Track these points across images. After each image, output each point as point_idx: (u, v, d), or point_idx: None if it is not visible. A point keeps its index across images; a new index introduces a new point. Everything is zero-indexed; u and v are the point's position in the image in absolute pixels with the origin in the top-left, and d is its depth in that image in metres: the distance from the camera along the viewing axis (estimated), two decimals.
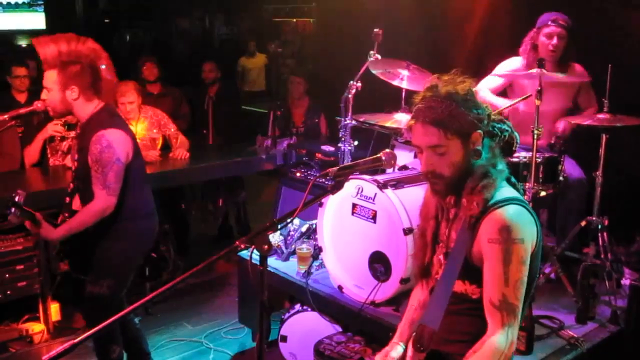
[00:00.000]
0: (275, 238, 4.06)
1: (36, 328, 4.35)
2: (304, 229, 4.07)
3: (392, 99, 4.28)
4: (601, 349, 3.25)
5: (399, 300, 3.36)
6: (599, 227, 3.75)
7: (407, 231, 3.14)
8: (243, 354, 4.32)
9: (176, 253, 5.35)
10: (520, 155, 3.63)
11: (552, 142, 3.82)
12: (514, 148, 2.27)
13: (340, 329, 3.52)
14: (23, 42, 10.23)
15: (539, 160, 3.60)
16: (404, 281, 3.23)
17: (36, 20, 9.91)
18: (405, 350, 2.36)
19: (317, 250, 3.75)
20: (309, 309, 3.68)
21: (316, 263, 3.84)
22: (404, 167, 3.76)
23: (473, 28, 5.55)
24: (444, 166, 2.12)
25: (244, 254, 4.01)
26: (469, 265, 2.14)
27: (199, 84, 6.48)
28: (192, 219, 6.33)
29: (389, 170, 3.73)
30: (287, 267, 3.96)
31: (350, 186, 3.42)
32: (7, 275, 4.18)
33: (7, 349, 4.22)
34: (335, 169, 2.19)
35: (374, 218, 3.36)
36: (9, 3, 9.69)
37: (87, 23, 10.85)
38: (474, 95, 2.14)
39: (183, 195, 6.00)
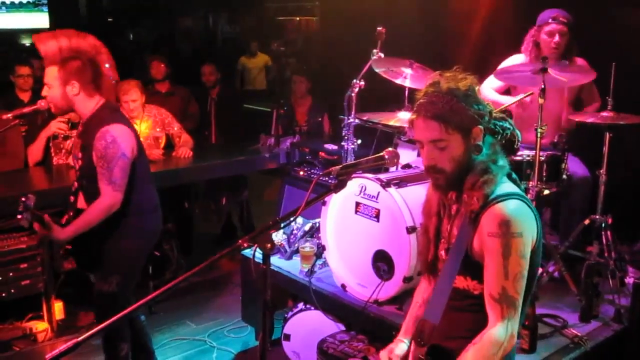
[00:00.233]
0: (278, 237, 4.06)
1: (40, 327, 4.36)
2: (307, 227, 4.08)
3: (395, 98, 4.28)
4: (605, 348, 3.25)
5: (402, 299, 3.35)
6: (603, 225, 3.74)
7: (411, 230, 3.14)
8: (246, 352, 4.32)
9: (179, 252, 5.35)
10: (524, 154, 3.62)
11: (556, 140, 3.82)
12: (515, 146, 2.29)
13: (343, 328, 3.52)
14: (27, 42, 10.25)
15: (542, 158, 3.60)
16: (407, 280, 3.23)
17: (40, 19, 9.92)
18: (409, 347, 2.37)
19: (320, 249, 3.74)
20: (312, 308, 3.68)
21: (319, 262, 3.84)
22: (407, 166, 3.76)
23: (476, 26, 5.55)
24: (445, 161, 2.13)
25: (247, 252, 4.01)
26: (469, 260, 2.16)
27: (201, 84, 6.48)
28: (196, 218, 6.33)
29: (392, 169, 3.72)
30: (290, 266, 3.96)
31: (354, 185, 3.42)
32: (11, 274, 4.19)
33: (11, 348, 4.24)
34: (338, 167, 2.20)
35: (377, 217, 3.35)
36: (12, 2, 9.70)
37: (91, 22, 10.86)
38: (475, 91, 2.16)
39: (186, 194, 6.00)
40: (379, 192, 3.33)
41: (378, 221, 3.35)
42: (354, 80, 4.06)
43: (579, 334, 3.21)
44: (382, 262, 3.35)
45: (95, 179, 3.23)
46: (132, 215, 3.35)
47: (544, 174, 3.64)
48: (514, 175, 2.24)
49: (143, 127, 5.18)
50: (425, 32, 5.90)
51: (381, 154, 2.31)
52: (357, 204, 3.45)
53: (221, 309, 4.92)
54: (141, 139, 5.06)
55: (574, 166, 3.97)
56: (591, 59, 4.13)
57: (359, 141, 4.20)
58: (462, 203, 2.17)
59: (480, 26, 5.51)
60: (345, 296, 3.57)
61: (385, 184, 3.28)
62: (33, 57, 5.44)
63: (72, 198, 3.46)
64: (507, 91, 4.33)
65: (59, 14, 10.01)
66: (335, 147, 5.02)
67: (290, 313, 3.78)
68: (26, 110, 3.53)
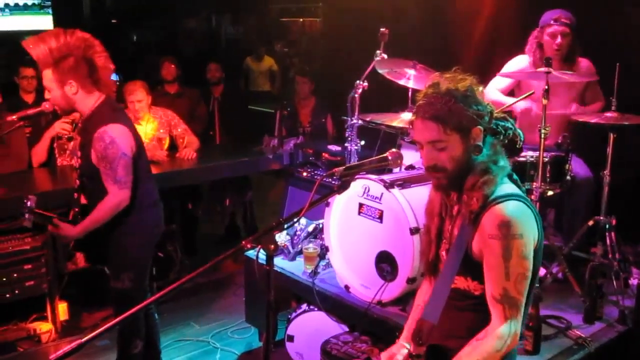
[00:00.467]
0: (281, 238, 4.06)
1: (44, 327, 4.37)
2: (310, 228, 4.07)
3: (398, 99, 4.28)
4: (609, 349, 3.24)
5: (405, 300, 3.35)
6: (607, 226, 3.73)
7: (414, 231, 3.14)
8: (250, 353, 4.32)
9: (183, 253, 5.36)
10: (527, 155, 3.62)
11: (560, 141, 3.81)
12: (517, 146, 2.29)
13: (346, 329, 3.52)
14: None
15: (546, 159, 3.59)
16: (410, 281, 3.23)
17: (43, 21, 9.93)
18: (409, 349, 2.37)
19: (324, 250, 3.75)
20: (316, 309, 3.68)
21: (323, 263, 3.84)
22: (410, 167, 3.76)
23: (480, 26, 5.55)
24: (445, 160, 2.14)
25: (251, 253, 4.03)
26: (470, 260, 2.16)
27: (204, 84, 6.49)
28: (199, 219, 6.34)
29: (396, 170, 3.72)
30: (294, 267, 3.96)
31: (357, 186, 3.42)
32: (15, 275, 4.20)
33: (15, 348, 4.24)
34: (341, 168, 2.20)
35: (380, 218, 3.35)
36: (17, 4, 9.72)
37: (94, 23, 10.86)
38: (474, 92, 2.16)
39: (190, 195, 6.01)
40: (382, 193, 3.33)
41: (381, 222, 3.35)
42: (358, 81, 4.05)
43: (582, 336, 3.21)
44: (386, 263, 3.35)
45: (95, 177, 3.25)
46: (132, 212, 3.36)
47: (548, 175, 3.63)
48: (514, 176, 2.24)
49: (149, 128, 5.19)
50: (429, 33, 5.90)
51: (384, 155, 2.32)
52: (361, 205, 3.45)
53: (225, 310, 4.93)
54: (146, 140, 5.11)
55: (578, 167, 3.96)
56: (595, 59, 4.13)
57: (362, 142, 4.20)
58: (462, 204, 2.18)
59: (484, 27, 5.51)
60: (348, 297, 3.57)
61: (389, 185, 3.28)
62: None
63: (75, 195, 3.49)
64: (511, 93, 4.32)
65: (63, 16, 10.00)
66: (338, 148, 5.01)
67: (294, 314, 3.78)
68: (30, 112, 3.53)
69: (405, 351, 2.36)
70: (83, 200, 3.44)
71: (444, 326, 2.20)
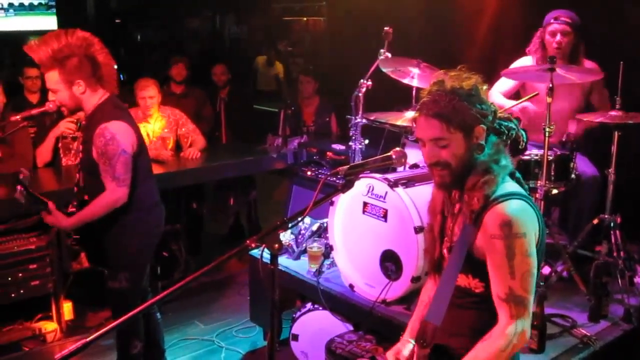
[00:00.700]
0: (286, 237, 4.07)
1: (49, 327, 4.38)
2: (314, 227, 4.08)
3: (402, 98, 4.28)
4: (614, 348, 3.23)
5: (410, 299, 3.35)
6: (612, 225, 3.72)
7: (418, 229, 3.14)
8: (254, 352, 4.33)
9: (188, 252, 5.37)
10: (532, 153, 3.61)
11: (564, 139, 3.80)
12: (520, 146, 2.29)
13: (351, 328, 3.52)
14: None
15: (551, 157, 3.59)
16: (415, 280, 3.23)
17: (48, 21, 9.94)
18: (414, 347, 2.37)
19: (328, 249, 3.75)
20: (320, 308, 3.68)
21: (327, 262, 3.84)
22: (414, 166, 3.76)
23: (484, 25, 5.53)
24: (447, 157, 2.14)
25: (255, 253, 4.01)
26: (471, 259, 2.16)
27: (209, 84, 6.49)
28: (204, 218, 6.34)
29: (400, 169, 3.72)
30: (298, 266, 3.96)
31: (361, 185, 3.42)
32: (20, 275, 4.21)
33: (21, 348, 4.26)
34: (345, 167, 2.20)
35: (384, 216, 3.35)
36: (21, 4, 9.74)
37: (98, 23, 10.87)
38: (479, 91, 2.16)
39: (195, 194, 6.02)
40: (386, 192, 3.32)
41: (386, 221, 3.35)
42: (362, 80, 4.06)
43: (588, 334, 3.20)
44: (390, 262, 3.35)
45: (94, 174, 3.25)
46: (132, 212, 3.35)
47: (553, 174, 3.63)
48: (517, 175, 2.24)
49: (157, 126, 5.20)
50: (433, 32, 5.89)
51: (389, 153, 2.31)
52: (365, 204, 3.45)
53: (229, 309, 4.93)
54: (153, 138, 5.12)
55: (583, 165, 3.95)
56: (600, 58, 4.11)
57: (367, 141, 4.20)
58: (463, 203, 2.18)
59: (488, 26, 5.50)
60: (353, 296, 3.57)
61: (393, 184, 3.28)
62: None
63: (76, 189, 3.49)
64: (516, 94, 4.31)
65: (67, 16, 10.01)
66: (342, 147, 5.02)
67: (299, 313, 3.79)
68: (35, 112, 3.53)
69: (411, 346, 2.36)
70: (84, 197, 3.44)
71: (447, 325, 2.19)
